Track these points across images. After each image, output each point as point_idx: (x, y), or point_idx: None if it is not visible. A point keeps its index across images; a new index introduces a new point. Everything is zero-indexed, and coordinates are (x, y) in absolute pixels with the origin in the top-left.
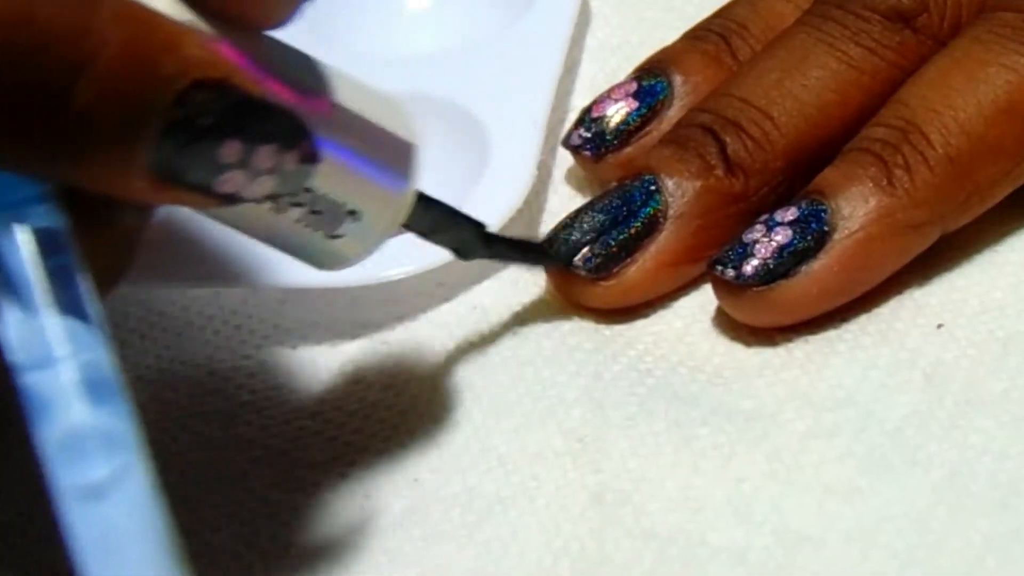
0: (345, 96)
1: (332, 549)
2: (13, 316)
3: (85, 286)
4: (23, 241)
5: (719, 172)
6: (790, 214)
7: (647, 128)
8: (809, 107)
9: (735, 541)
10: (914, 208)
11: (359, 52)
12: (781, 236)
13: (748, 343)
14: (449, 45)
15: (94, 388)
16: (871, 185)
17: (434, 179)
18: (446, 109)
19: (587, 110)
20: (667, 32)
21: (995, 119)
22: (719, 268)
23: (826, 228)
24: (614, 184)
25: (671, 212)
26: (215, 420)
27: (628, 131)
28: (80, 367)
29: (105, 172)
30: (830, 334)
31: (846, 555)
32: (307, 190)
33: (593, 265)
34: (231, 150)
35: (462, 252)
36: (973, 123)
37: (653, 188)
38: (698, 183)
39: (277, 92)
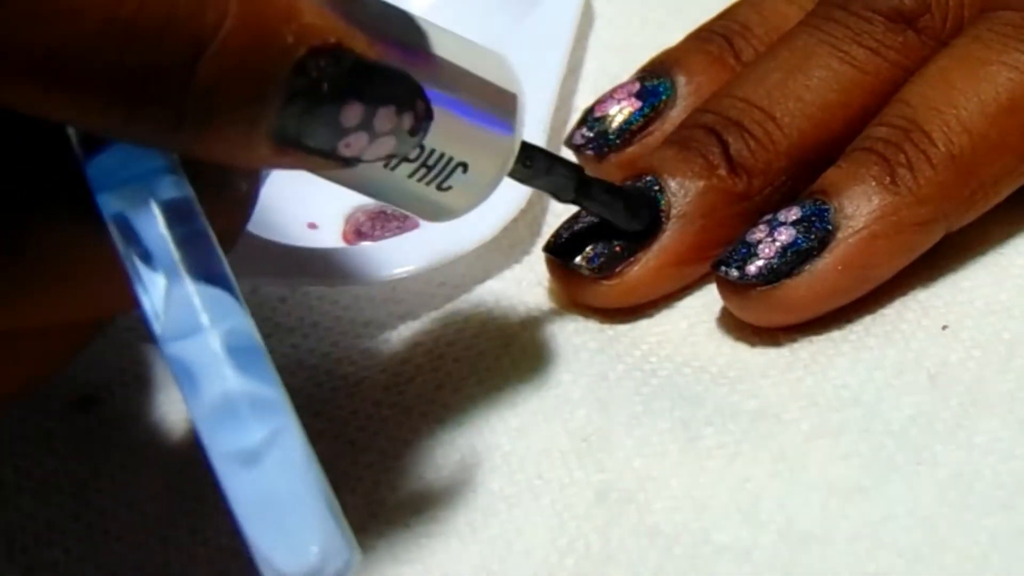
0: (447, 50)
1: None
2: (154, 287)
3: (218, 253)
4: (158, 211)
5: (722, 172)
6: (793, 214)
7: (650, 128)
8: (812, 107)
9: (740, 540)
10: (918, 206)
11: None
12: (784, 235)
13: (753, 343)
14: None
15: (240, 353)
16: (874, 184)
17: None
18: None
19: (590, 110)
20: (670, 33)
21: (997, 117)
22: (723, 268)
23: (829, 227)
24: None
25: (674, 212)
26: None
27: (631, 131)
28: (225, 334)
29: (230, 142)
30: (835, 335)
31: (851, 554)
32: (419, 146)
33: (596, 265)
34: (352, 113)
35: (558, 196)
36: (975, 121)
37: (656, 188)
38: (701, 183)
39: (388, 53)
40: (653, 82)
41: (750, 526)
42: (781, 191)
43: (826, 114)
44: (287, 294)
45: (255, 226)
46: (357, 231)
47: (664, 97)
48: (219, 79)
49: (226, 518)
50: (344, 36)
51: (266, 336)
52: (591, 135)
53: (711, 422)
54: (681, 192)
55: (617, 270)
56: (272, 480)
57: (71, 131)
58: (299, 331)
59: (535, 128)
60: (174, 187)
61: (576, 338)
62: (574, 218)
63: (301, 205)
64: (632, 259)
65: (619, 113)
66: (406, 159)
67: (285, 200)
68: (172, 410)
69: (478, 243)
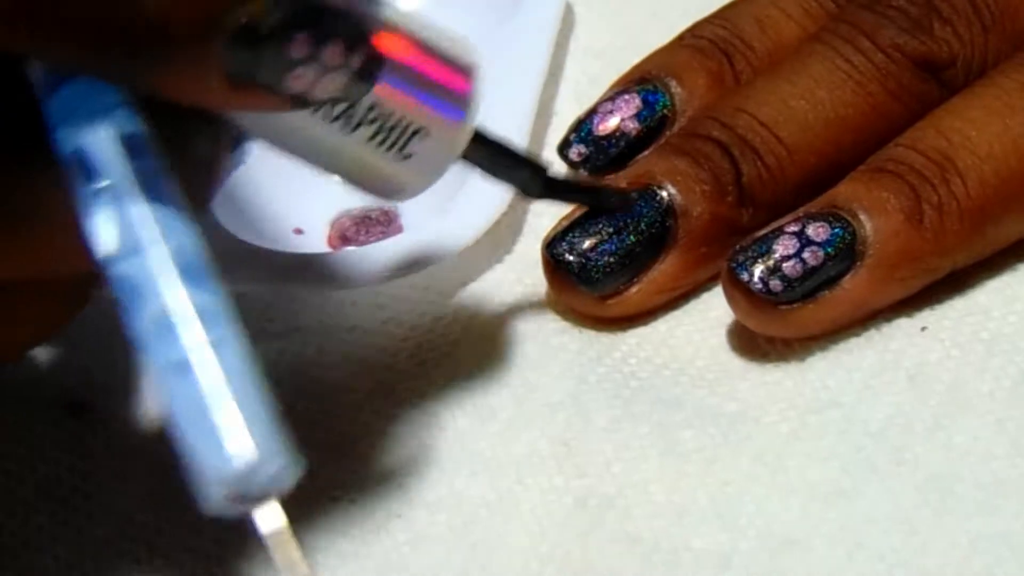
0: (405, 19)
1: (318, 554)
2: (104, 210)
3: (171, 184)
4: (110, 139)
5: (731, 199)
6: (822, 232)
7: (647, 151)
8: (828, 145)
9: (720, 545)
10: (939, 257)
11: None
12: (811, 257)
13: (732, 345)
14: None
15: (184, 270)
16: (902, 219)
17: None
18: None
19: (586, 123)
20: (651, 36)
21: None
22: (744, 273)
23: (854, 256)
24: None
25: (680, 234)
26: None
27: (628, 149)
28: (171, 250)
29: (181, 76)
30: (813, 336)
31: (831, 558)
32: (374, 106)
33: (598, 288)
34: (300, 45)
35: (525, 191)
36: (1014, 181)
37: (664, 202)
38: (710, 209)
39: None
40: (653, 97)
41: (729, 531)
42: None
43: (837, 151)
44: (273, 299)
45: (241, 231)
46: (342, 236)
47: (664, 113)
48: (167, 7)
49: (207, 524)
50: None
51: (251, 341)
52: (587, 152)
53: (690, 425)
54: (691, 215)
55: (619, 288)
56: (208, 387)
57: (32, 71)
58: (284, 336)
59: (516, 133)
60: (130, 122)
61: (555, 339)
62: (576, 224)
63: (287, 211)
64: (633, 279)
65: (617, 130)
66: (365, 122)
67: (271, 206)
68: (158, 419)
69: (462, 247)
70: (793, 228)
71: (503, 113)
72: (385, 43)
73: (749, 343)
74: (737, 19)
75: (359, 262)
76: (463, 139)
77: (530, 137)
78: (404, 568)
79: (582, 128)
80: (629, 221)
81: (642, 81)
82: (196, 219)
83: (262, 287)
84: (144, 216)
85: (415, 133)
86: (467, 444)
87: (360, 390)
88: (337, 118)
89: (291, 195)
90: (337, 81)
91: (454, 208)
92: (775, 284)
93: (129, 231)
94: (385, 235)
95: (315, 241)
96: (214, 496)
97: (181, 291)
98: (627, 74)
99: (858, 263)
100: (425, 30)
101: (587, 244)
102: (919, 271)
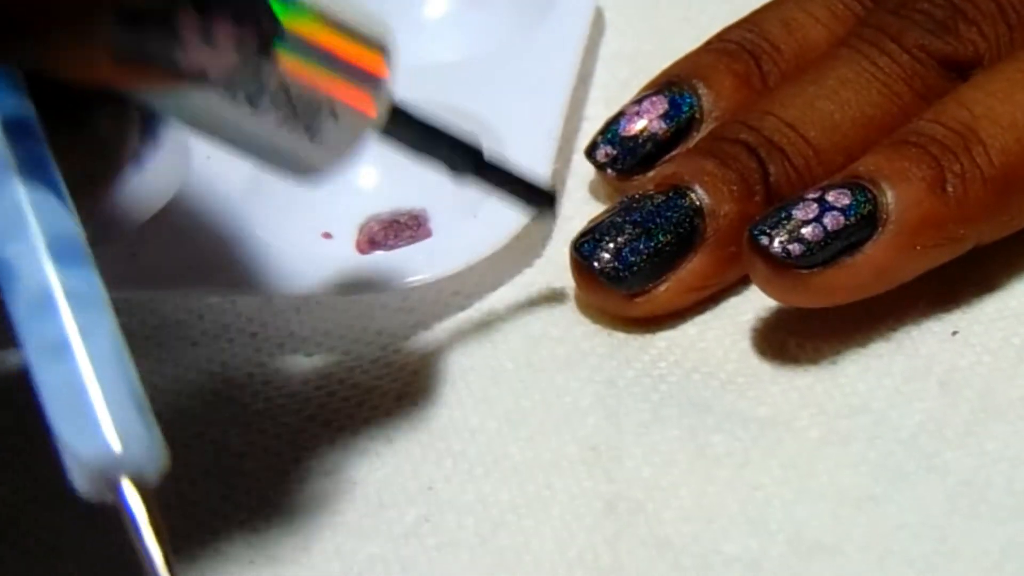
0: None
1: (346, 557)
2: None
3: (53, 169)
4: None
5: (758, 199)
6: (844, 198)
7: (674, 151)
8: (854, 144)
9: (749, 550)
10: (961, 223)
11: None
12: (831, 222)
13: (761, 349)
14: (464, 54)
15: (62, 254)
16: (925, 187)
17: (449, 187)
18: (461, 118)
19: (613, 125)
20: (681, 41)
21: None
22: (764, 239)
23: (875, 222)
24: (648, 192)
25: (709, 233)
26: (230, 428)
27: (656, 151)
28: (49, 235)
29: (66, 54)
30: (844, 341)
31: (861, 564)
32: (280, 84)
33: (627, 286)
34: (189, 21)
35: (452, 168)
36: None
37: (692, 204)
38: (738, 208)
39: None
40: (680, 99)
41: (759, 536)
42: None
43: (862, 149)
44: (301, 303)
45: (269, 234)
46: (371, 240)
47: (691, 115)
48: None
49: (237, 527)
50: None
51: (279, 344)
52: (615, 153)
53: (720, 429)
54: (719, 215)
55: (647, 287)
56: (79, 371)
57: None
58: (312, 340)
59: (545, 137)
60: (14, 106)
61: (584, 343)
62: (604, 225)
63: (315, 214)
64: (662, 278)
65: (644, 132)
66: (272, 103)
67: (299, 209)
68: (187, 421)
69: (491, 250)
70: (813, 195)
71: (533, 118)
72: (288, 19)
73: (779, 347)
74: (764, 22)
75: (387, 267)
76: (376, 117)
77: (559, 141)
78: (432, 572)
79: (609, 130)
80: (658, 221)
81: (669, 84)
82: (98, 199)
83: (291, 291)
84: (23, 201)
85: (326, 111)
86: (496, 448)
87: (388, 394)
88: (242, 96)
89: (319, 199)
90: (232, 56)
91: (483, 212)
92: (795, 248)
93: (10, 213)
94: (414, 239)
95: (343, 245)
96: (80, 477)
97: (56, 275)
98: (655, 78)
99: (880, 229)
100: (335, 6)
101: (615, 244)
102: (942, 239)
